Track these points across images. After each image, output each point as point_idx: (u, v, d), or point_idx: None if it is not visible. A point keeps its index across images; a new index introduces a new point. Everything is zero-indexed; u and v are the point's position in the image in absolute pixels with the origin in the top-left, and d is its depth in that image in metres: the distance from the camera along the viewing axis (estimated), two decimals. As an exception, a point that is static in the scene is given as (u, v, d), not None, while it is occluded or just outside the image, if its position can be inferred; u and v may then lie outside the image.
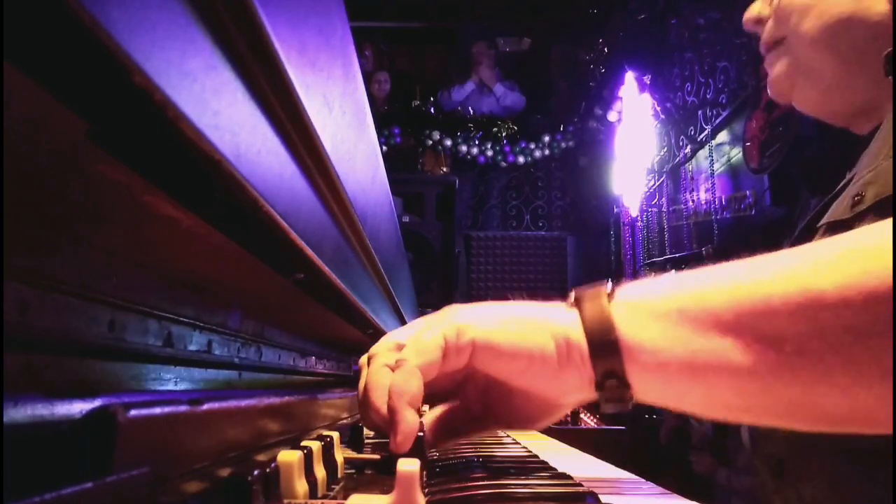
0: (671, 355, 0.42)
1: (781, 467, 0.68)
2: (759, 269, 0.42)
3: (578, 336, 0.45)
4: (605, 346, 0.44)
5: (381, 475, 0.57)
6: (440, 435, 0.54)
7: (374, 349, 0.52)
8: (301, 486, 0.43)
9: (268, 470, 0.37)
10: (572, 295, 0.48)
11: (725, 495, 2.41)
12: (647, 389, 0.44)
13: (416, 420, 0.47)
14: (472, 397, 0.54)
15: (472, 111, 4.91)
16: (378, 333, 1.04)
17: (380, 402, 0.47)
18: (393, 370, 0.48)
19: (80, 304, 0.32)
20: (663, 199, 3.84)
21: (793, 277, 0.40)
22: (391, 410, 0.46)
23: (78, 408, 0.27)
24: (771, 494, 0.70)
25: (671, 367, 0.42)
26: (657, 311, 0.44)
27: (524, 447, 0.88)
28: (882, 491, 0.57)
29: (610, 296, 0.45)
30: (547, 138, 4.80)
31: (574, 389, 0.47)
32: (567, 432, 2.84)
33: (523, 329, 0.46)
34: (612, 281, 0.47)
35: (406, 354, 0.47)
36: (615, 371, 0.44)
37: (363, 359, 0.52)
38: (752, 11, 0.80)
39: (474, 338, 0.46)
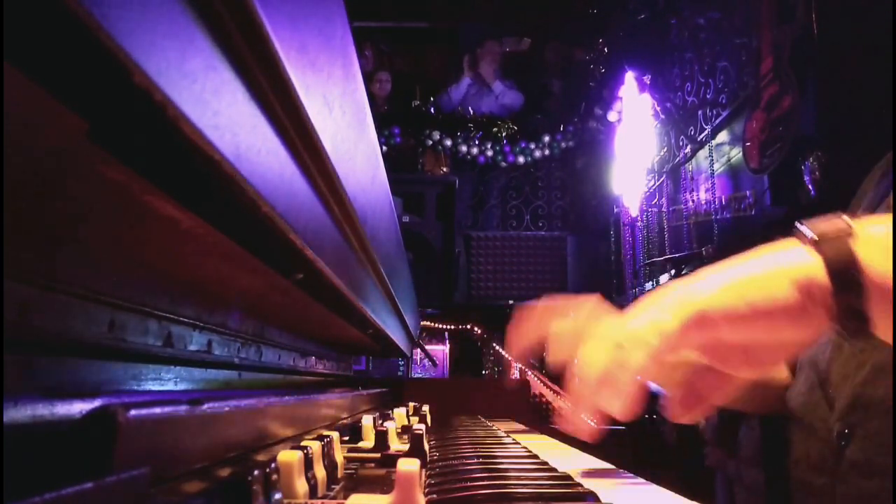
0: None
1: (847, 434, 0.70)
2: None
3: (823, 277, 0.45)
4: (848, 285, 0.44)
5: (380, 471, 0.57)
6: (691, 406, 0.54)
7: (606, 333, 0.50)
8: (301, 486, 0.43)
9: (268, 470, 0.37)
10: (808, 232, 0.47)
11: (727, 491, 2.41)
12: (891, 326, 0.44)
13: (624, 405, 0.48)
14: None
15: (471, 111, 4.91)
16: (378, 333, 1.04)
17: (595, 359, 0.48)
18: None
19: (80, 304, 0.32)
20: (663, 199, 3.84)
21: None
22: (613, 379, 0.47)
23: (78, 408, 0.27)
24: (829, 468, 0.71)
25: None
26: None
27: (524, 447, 0.88)
28: None
29: (852, 234, 0.45)
30: (547, 138, 4.80)
31: (819, 329, 0.46)
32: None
33: (762, 288, 0.46)
34: (841, 217, 0.46)
35: (643, 339, 0.47)
36: (860, 311, 0.44)
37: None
38: None
39: (714, 318, 0.46)
